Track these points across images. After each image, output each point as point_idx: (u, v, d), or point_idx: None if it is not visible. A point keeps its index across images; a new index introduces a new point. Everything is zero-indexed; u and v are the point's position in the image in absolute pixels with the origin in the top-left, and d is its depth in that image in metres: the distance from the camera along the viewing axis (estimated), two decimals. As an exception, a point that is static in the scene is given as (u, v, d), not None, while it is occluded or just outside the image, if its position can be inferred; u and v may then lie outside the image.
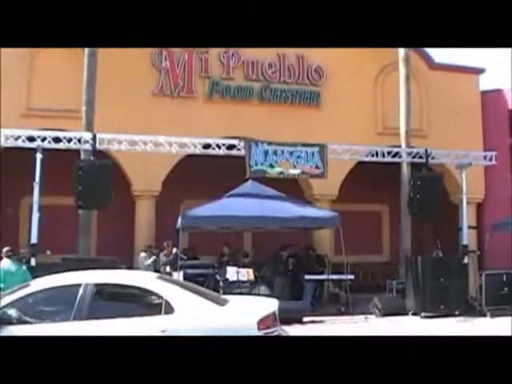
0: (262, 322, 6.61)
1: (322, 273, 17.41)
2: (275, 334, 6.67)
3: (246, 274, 15.21)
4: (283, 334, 6.98)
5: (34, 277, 13.53)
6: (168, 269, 16.13)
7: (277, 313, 7.14)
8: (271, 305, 7.35)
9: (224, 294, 15.40)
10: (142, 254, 16.80)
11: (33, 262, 13.54)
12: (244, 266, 16.02)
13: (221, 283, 15.51)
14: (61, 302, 7.03)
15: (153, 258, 16.59)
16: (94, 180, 13.97)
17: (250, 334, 6.15)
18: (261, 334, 6.28)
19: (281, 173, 15.81)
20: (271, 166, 15.65)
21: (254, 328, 6.44)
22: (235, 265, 15.97)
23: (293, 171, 15.85)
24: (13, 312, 6.79)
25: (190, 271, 16.52)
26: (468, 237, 17.03)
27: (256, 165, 15.55)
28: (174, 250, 16.30)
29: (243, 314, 7.03)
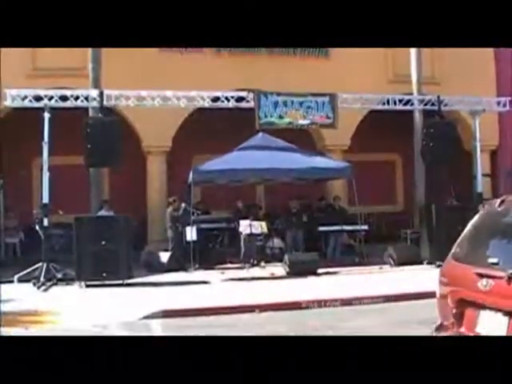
0: None
1: (336, 224, 17.26)
2: None
3: (259, 227, 15.16)
4: None
5: (47, 237, 13.73)
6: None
7: None
8: None
9: (245, 247, 15.68)
10: (170, 209, 16.58)
11: (45, 222, 13.57)
12: (257, 219, 15.96)
13: (241, 237, 15.68)
14: None
15: (183, 205, 16.36)
16: (102, 137, 13.81)
17: None
18: None
19: (290, 123, 15.55)
20: (280, 117, 15.39)
21: None
22: (246, 218, 15.82)
23: (302, 121, 15.59)
24: None
25: (203, 226, 16.55)
26: (482, 184, 16.84)
27: (265, 116, 15.30)
28: (183, 205, 16.23)
29: None
